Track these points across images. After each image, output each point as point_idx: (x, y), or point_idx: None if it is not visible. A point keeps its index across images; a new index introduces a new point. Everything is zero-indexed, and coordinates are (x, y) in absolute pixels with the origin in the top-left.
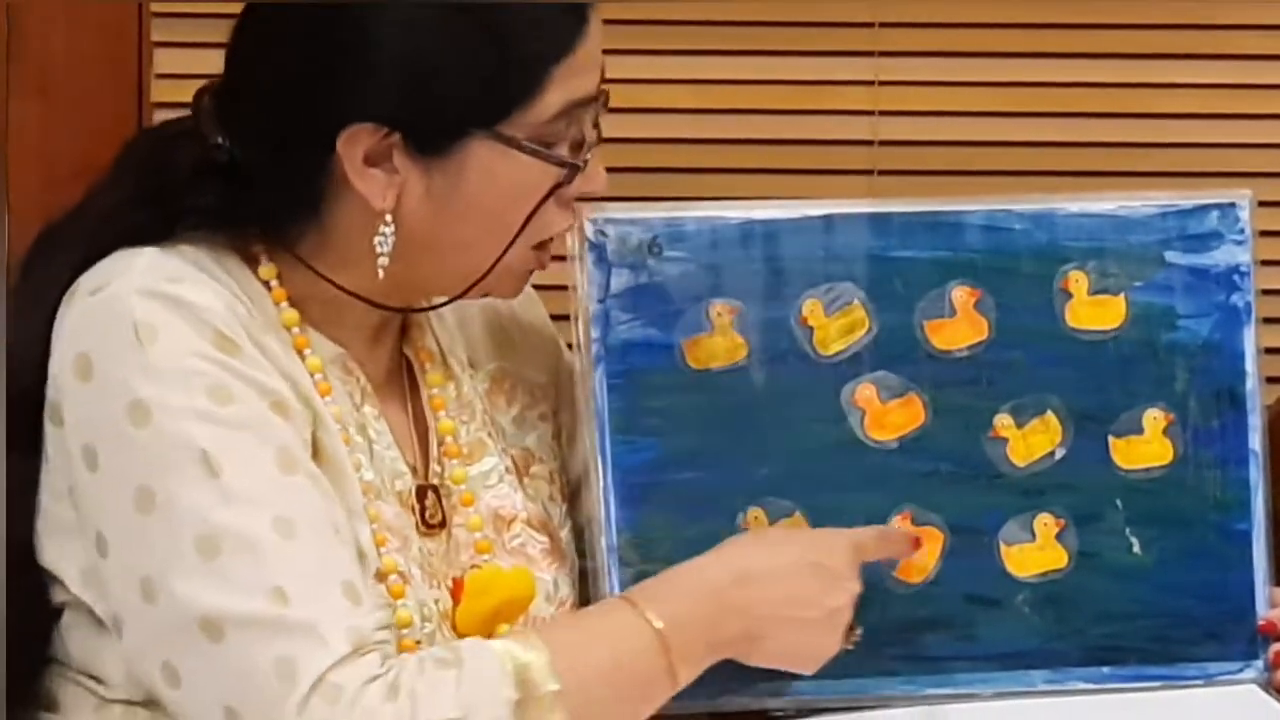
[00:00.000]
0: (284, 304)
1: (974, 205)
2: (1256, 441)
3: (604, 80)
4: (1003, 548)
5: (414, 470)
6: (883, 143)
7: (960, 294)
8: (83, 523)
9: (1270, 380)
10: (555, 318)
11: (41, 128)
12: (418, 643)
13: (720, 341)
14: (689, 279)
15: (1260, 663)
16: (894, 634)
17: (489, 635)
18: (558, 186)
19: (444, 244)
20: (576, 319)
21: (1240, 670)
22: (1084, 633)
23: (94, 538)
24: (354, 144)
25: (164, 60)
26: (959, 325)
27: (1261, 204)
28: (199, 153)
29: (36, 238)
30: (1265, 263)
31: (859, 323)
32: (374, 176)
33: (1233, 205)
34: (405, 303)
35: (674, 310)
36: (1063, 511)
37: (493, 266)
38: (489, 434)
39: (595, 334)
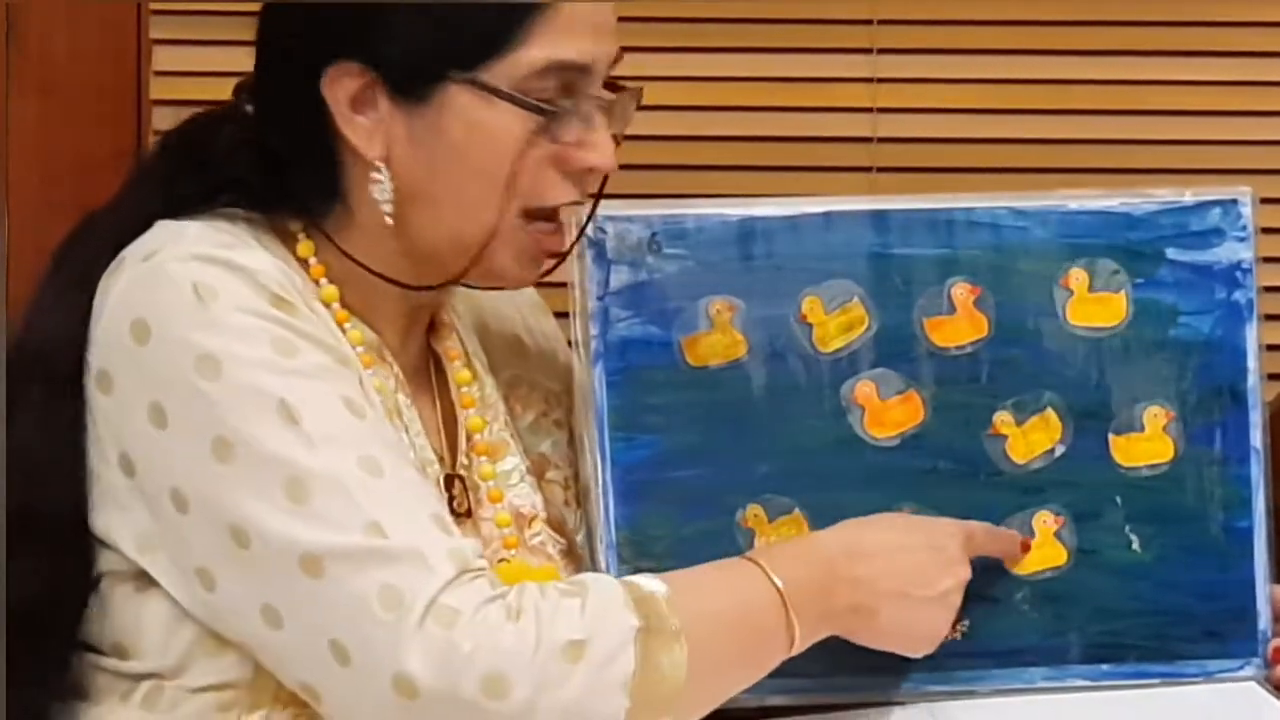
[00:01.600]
0: (323, 280)
1: (974, 202)
2: (1258, 439)
3: (617, 64)
4: None
5: (441, 460)
6: (882, 140)
7: (960, 291)
8: (148, 484)
9: (1271, 377)
10: (555, 315)
11: (41, 125)
12: None
13: (719, 339)
14: (688, 276)
15: (1260, 660)
16: None
17: None
18: (536, 135)
19: (437, 196)
20: (576, 316)
21: (1240, 668)
22: (1083, 630)
23: (167, 496)
24: (337, 87)
25: (164, 58)
26: (959, 322)
27: (1262, 200)
28: (237, 133)
29: (74, 227)
30: (1266, 259)
31: (858, 320)
32: (360, 123)
33: (1234, 201)
34: (423, 279)
35: (673, 307)
36: (1062, 509)
37: (493, 234)
38: (510, 435)
39: (594, 331)
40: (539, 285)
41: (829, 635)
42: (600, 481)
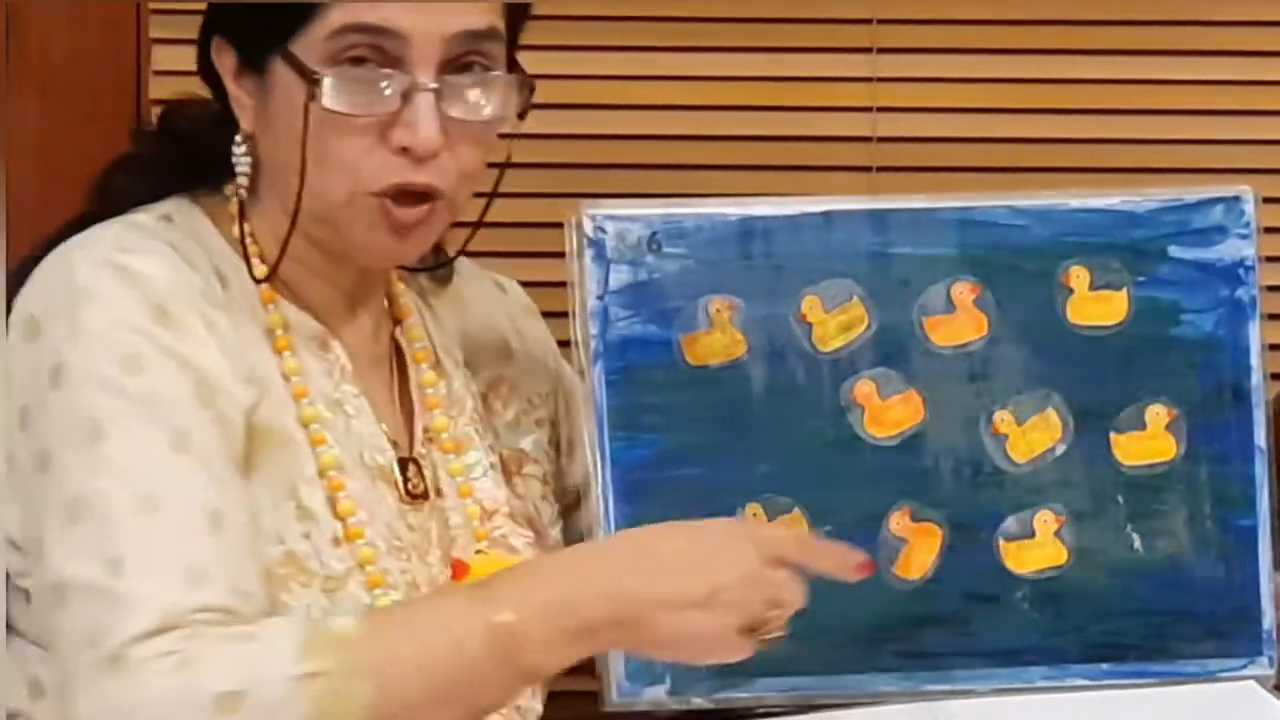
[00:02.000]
0: (256, 260)
1: (974, 201)
2: (1262, 437)
3: (484, 43)
4: (1002, 544)
5: (395, 444)
6: (882, 139)
7: (960, 290)
8: (11, 482)
9: (1274, 377)
10: (553, 314)
11: (41, 125)
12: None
13: (719, 338)
14: (688, 275)
15: (1264, 659)
16: (893, 630)
17: None
18: (309, 101)
19: (282, 170)
20: (575, 316)
21: (1244, 667)
22: (1083, 629)
23: (19, 495)
24: (220, 61)
25: (163, 57)
26: (959, 321)
27: (1263, 200)
28: (195, 116)
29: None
30: (1267, 259)
31: (858, 319)
32: (239, 96)
33: (1237, 199)
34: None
35: (673, 307)
36: (1063, 508)
37: (340, 207)
38: (476, 430)
39: (594, 330)
40: (537, 285)
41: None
42: (600, 481)
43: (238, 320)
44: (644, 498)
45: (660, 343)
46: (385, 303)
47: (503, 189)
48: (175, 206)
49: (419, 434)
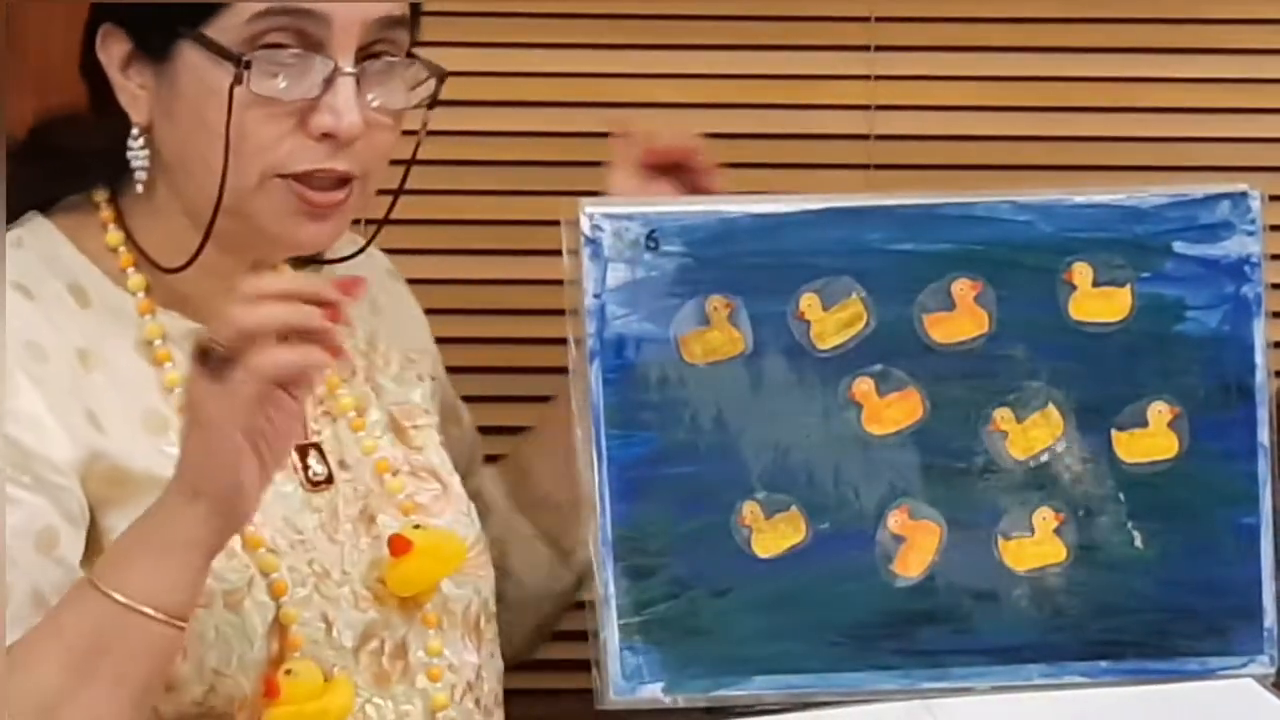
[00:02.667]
0: (131, 270)
1: (975, 197)
2: (1265, 435)
3: (400, 30)
4: (1001, 542)
5: None
6: (879, 137)
7: (961, 287)
8: None
9: (1278, 375)
10: (549, 312)
11: None
12: (328, 599)
13: (717, 335)
14: (686, 273)
15: (1265, 657)
16: (891, 628)
17: (428, 592)
18: (234, 85)
19: (189, 161)
20: (571, 313)
21: (1244, 665)
22: (1082, 627)
23: None
24: (107, 50)
25: None
26: (959, 318)
27: (1268, 198)
28: (58, 126)
29: None
30: (1271, 257)
31: (857, 316)
32: (128, 88)
33: (1244, 195)
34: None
35: (671, 304)
36: (1062, 506)
37: (250, 196)
38: (371, 389)
39: (591, 329)
40: (531, 283)
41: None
42: (597, 479)
43: (97, 351)
44: (641, 496)
45: (658, 341)
46: None
47: (500, 186)
48: (28, 229)
49: (313, 409)
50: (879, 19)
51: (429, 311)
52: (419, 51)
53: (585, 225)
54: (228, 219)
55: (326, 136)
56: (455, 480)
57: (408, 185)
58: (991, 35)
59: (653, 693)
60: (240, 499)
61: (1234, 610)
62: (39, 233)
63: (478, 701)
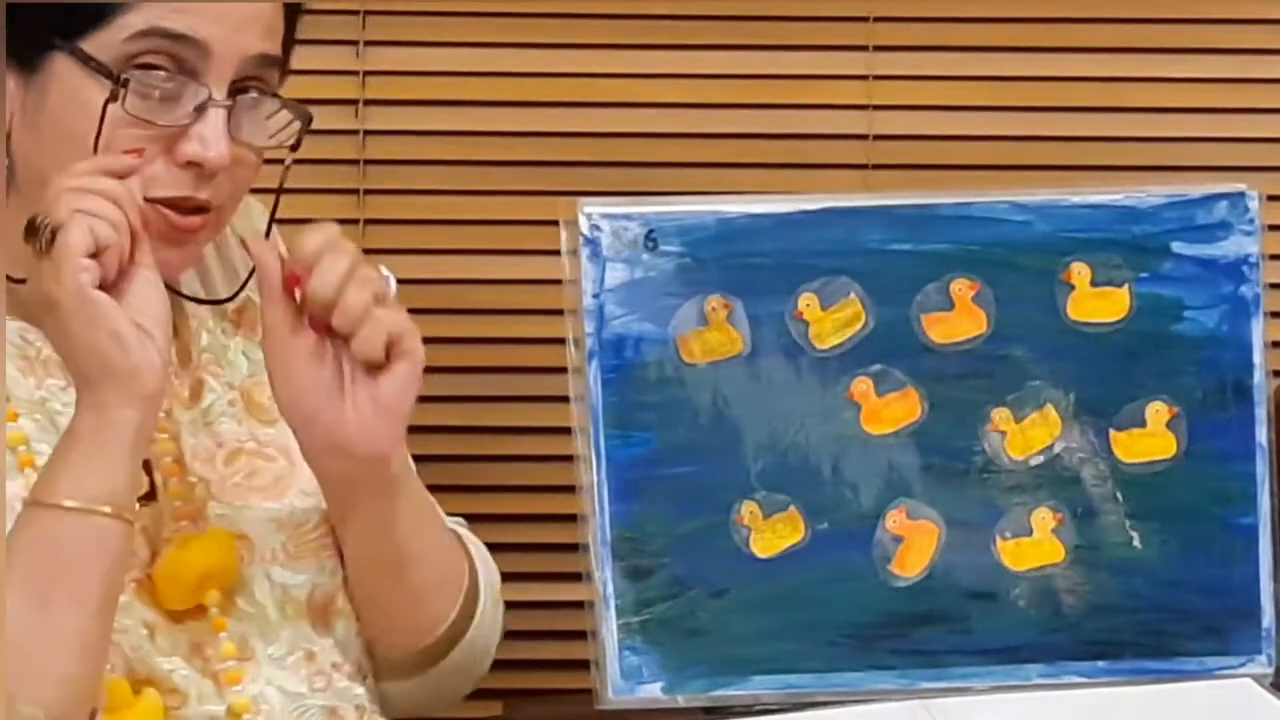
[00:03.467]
0: None
1: (974, 197)
2: (1263, 435)
3: (274, 69)
4: (999, 542)
5: None
6: (877, 137)
7: (959, 287)
8: None
9: (1276, 374)
10: (547, 312)
11: None
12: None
13: (716, 336)
14: (684, 273)
15: (1263, 657)
16: (889, 628)
17: (198, 602)
18: (108, 102)
19: (44, 172)
20: (571, 313)
21: (1242, 665)
22: (1080, 627)
23: None
24: None
25: None
26: (957, 318)
27: (1267, 199)
28: None
29: None
30: (1270, 257)
31: (855, 316)
32: None
33: (1242, 195)
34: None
35: (669, 305)
36: (1061, 506)
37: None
38: (211, 372)
39: (589, 329)
40: (530, 282)
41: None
42: (596, 479)
43: None
44: (639, 495)
45: (656, 340)
46: None
47: (498, 186)
48: None
49: None
50: (877, 19)
51: (429, 311)
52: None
53: (584, 225)
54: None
55: (192, 164)
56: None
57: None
58: (989, 35)
59: (652, 692)
60: (133, 375)
61: (1232, 610)
62: None
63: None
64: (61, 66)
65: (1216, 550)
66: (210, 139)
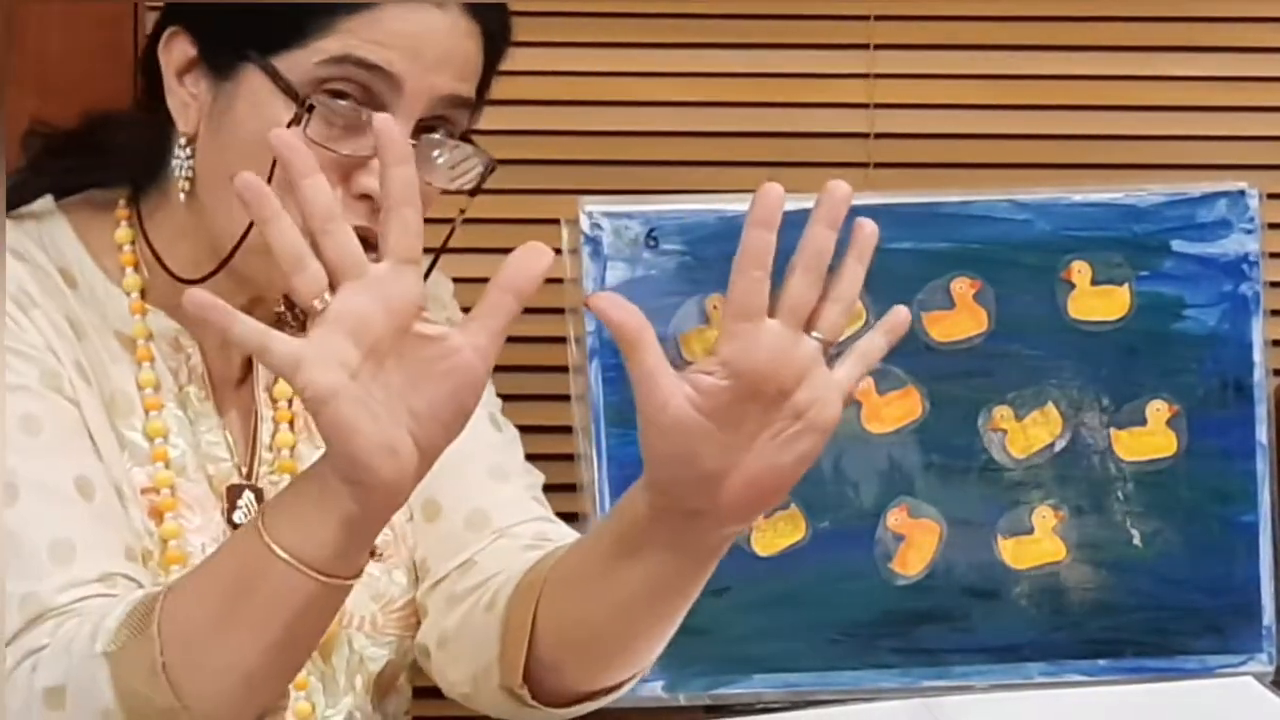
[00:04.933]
0: (129, 270)
1: (974, 196)
2: (1263, 433)
3: (465, 111)
4: (1000, 540)
5: (239, 469)
6: (879, 136)
7: (960, 285)
8: None
9: (1276, 373)
10: (547, 311)
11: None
12: None
13: (716, 335)
14: (685, 272)
15: (1264, 655)
16: (890, 626)
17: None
18: (291, 123)
19: (220, 180)
20: (572, 312)
21: (1243, 663)
22: (1081, 625)
23: None
24: (169, 53)
25: None
26: (958, 317)
27: (1267, 196)
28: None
29: None
30: (1270, 255)
31: (856, 315)
32: (180, 93)
33: (1242, 193)
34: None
35: (670, 303)
36: (1062, 504)
37: (251, 226)
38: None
39: (591, 326)
40: None
41: None
42: (597, 477)
43: (83, 330)
44: None
45: (658, 339)
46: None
47: (498, 184)
48: (36, 208)
49: (262, 452)
50: (878, 18)
51: None
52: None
53: (585, 223)
54: (247, 252)
55: (365, 197)
56: (409, 529)
57: None
58: (990, 34)
59: (653, 691)
60: (397, 491)
61: (1232, 608)
62: (42, 216)
63: None
64: (252, 79)
65: (1217, 548)
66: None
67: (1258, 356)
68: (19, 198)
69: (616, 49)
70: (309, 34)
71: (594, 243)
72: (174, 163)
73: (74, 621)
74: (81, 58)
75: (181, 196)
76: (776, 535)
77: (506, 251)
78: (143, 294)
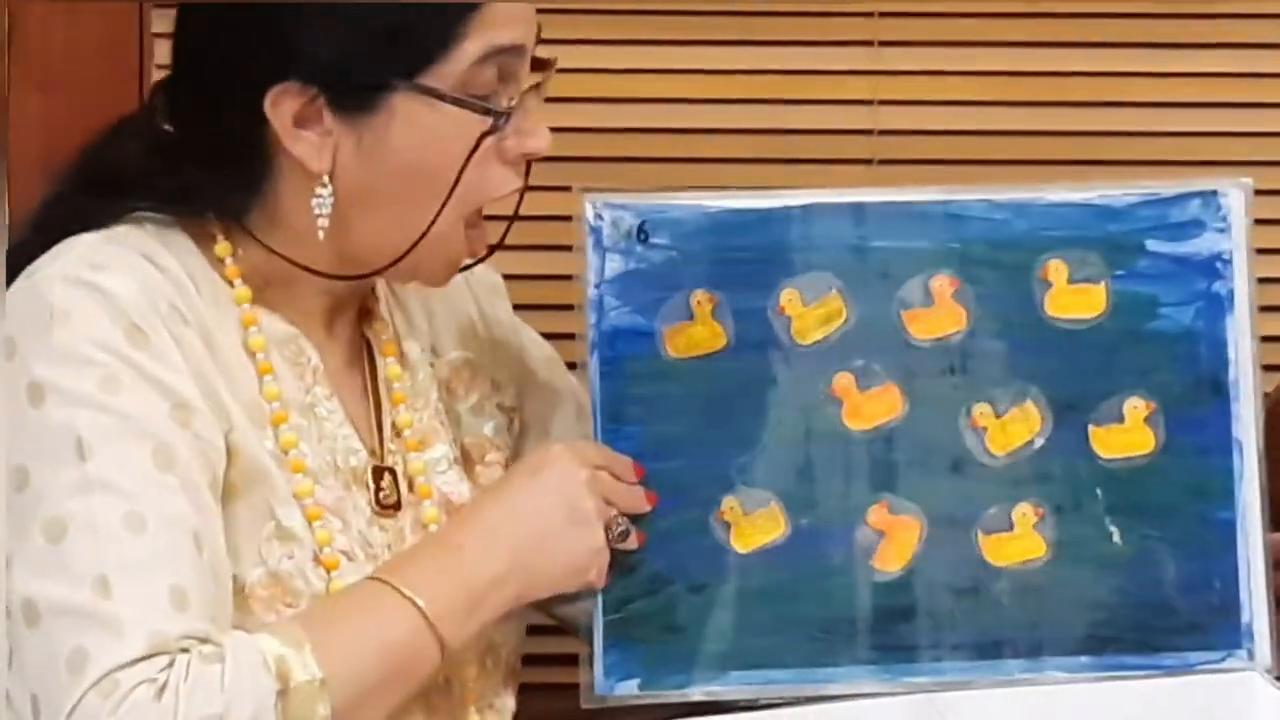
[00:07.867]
0: (238, 282)
1: (952, 194)
2: (1240, 430)
3: (541, 40)
4: (980, 537)
5: (373, 452)
6: (882, 132)
7: (939, 283)
8: None
9: (1269, 369)
10: (555, 308)
11: (42, 122)
12: None
13: (700, 330)
14: (672, 266)
15: (1243, 652)
16: (871, 623)
17: None
18: (486, 135)
19: (382, 202)
20: (580, 307)
21: (1223, 659)
22: (1061, 622)
23: None
24: (280, 106)
25: (165, 52)
26: (938, 314)
27: (1260, 192)
28: (149, 140)
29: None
30: (1264, 251)
31: (836, 312)
32: (305, 138)
33: (1214, 193)
34: (345, 272)
35: (658, 298)
36: (1042, 501)
37: (429, 228)
38: (441, 423)
39: (591, 320)
40: (539, 278)
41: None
42: None
43: (213, 335)
44: None
45: (644, 334)
46: None
47: None
48: (152, 218)
49: (388, 432)
50: (882, 14)
51: None
52: None
53: (590, 215)
54: (387, 257)
55: (519, 158)
56: None
57: None
58: (994, 30)
59: (629, 689)
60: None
61: (1212, 605)
62: (161, 225)
63: None
64: (405, 105)
65: (1195, 545)
66: (539, 130)
67: (1232, 354)
68: (81, 222)
69: (620, 46)
70: (449, 43)
71: (596, 233)
72: (314, 202)
73: (195, 658)
74: (86, 56)
75: (320, 234)
76: (756, 532)
77: (510, 248)
78: (252, 303)
